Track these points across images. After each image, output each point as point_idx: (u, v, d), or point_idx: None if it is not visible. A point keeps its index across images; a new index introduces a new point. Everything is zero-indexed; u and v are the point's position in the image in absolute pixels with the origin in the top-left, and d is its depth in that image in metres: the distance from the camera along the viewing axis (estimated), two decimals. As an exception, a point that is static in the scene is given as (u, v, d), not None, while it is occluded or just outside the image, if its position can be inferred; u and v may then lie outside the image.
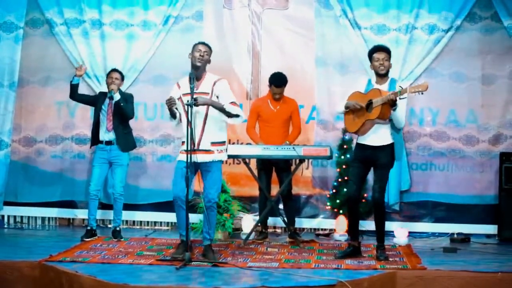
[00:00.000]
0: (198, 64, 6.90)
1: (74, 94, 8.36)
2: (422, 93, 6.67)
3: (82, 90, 9.25)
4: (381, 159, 6.99)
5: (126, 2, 9.35)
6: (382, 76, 7.04)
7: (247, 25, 9.30)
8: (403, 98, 6.77)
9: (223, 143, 7.03)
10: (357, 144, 7.22)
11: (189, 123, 6.66)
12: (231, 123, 7.08)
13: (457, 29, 8.84)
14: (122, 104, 8.15)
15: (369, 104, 6.89)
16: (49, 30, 9.45)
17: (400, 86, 6.83)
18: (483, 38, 8.87)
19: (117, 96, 8.14)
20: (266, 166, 8.37)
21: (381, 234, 7.13)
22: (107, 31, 9.35)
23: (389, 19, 8.94)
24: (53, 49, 9.49)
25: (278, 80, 8.29)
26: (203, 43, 7.07)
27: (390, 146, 7.01)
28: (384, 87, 7.00)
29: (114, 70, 8.41)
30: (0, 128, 9.37)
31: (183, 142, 6.94)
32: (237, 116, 6.95)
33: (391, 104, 6.76)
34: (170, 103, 6.82)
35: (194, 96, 6.68)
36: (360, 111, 6.99)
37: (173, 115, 6.99)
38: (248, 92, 9.29)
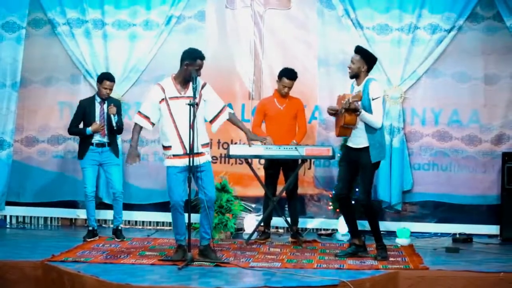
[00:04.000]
0: (194, 77, 6.80)
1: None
2: (358, 103, 6.86)
3: (85, 90, 9.31)
4: (361, 160, 7.10)
5: (128, 2, 9.34)
6: (351, 78, 7.24)
7: (250, 25, 9.29)
8: (375, 98, 6.96)
9: (208, 144, 7.08)
10: (345, 145, 7.46)
11: (190, 124, 6.65)
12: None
13: (459, 29, 8.83)
14: (118, 124, 8.22)
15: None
16: (52, 30, 9.45)
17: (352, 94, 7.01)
18: (485, 38, 8.86)
19: (116, 119, 8.17)
20: (273, 165, 8.37)
21: (375, 234, 7.19)
22: (109, 31, 9.35)
23: (391, 19, 8.93)
24: (55, 49, 9.48)
25: (289, 73, 8.30)
26: (203, 58, 6.91)
27: (368, 149, 7.07)
28: (359, 89, 7.09)
29: (107, 78, 8.27)
30: (2, 128, 9.38)
31: (168, 147, 6.92)
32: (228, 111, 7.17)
33: (352, 110, 6.88)
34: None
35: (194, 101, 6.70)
36: (339, 115, 7.18)
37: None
38: (251, 93, 9.28)
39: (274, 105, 8.39)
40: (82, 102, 8.41)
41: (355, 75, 7.17)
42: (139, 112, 7.00)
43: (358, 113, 6.88)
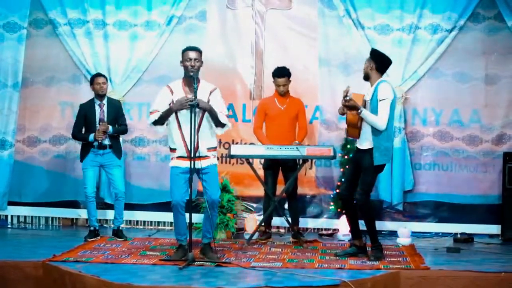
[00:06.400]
0: (192, 74, 6.81)
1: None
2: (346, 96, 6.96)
3: (86, 90, 9.27)
4: (363, 162, 7.12)
5: (129, 2, 9.35)
6: (364, 80, 7.25)
7: (251, 25, 9.29)
8: (382, 100, 6.93)
9: (216, 148, 7.08)
10: (356, 146, 7.46)
11: (192, 123, 6.65)
12: (217, 132, 7.04)
13: (460, 29, 8.84)
14: (115, 134, 8.26)
15: None
16: (53, 30, 9.45)
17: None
18: (486, 38, 8.87)
19: (110, 130, 8.18)
20: (272, 165, 8.37)
21: (371, 235, 7.20)
22: (110, 31, 9.35)
23: (392, 19, 8.94)
24: (56, 49, 9.49)
25: (279, 71, 8.32)
26: (193, 49, 6.92)
27: (371, 151, 7.08)
28: (370, 90, 7.12)
29: (96, 75, 8.32)
30: (4, 128, 9.40)
31: (173, 149, 6.96)
32: (223, 126, 6.96)
33: (351, 108, 6.96)
34: (187, 102, 6.67)
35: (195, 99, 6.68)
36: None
37: (162, 121, 6.91)
38: (252, 92, 9.29)
39: (275, 105, 8.39)
40: (82, 106, 8.43)
41: (366, 76, 7.19)
42: (151, 112, 6.97)
43: (358, 111, 6.90)
